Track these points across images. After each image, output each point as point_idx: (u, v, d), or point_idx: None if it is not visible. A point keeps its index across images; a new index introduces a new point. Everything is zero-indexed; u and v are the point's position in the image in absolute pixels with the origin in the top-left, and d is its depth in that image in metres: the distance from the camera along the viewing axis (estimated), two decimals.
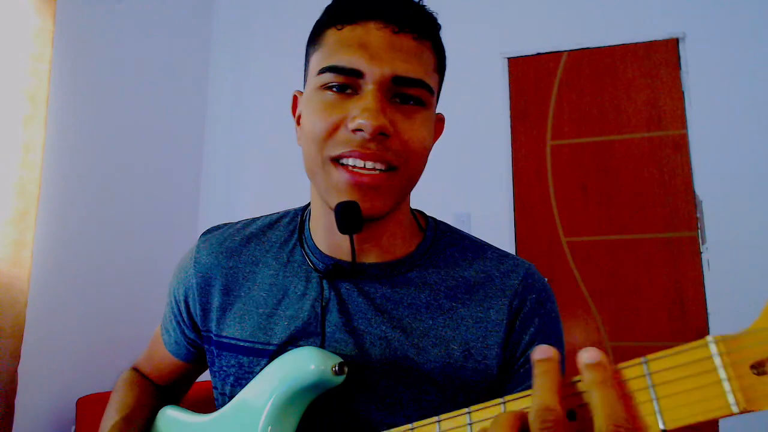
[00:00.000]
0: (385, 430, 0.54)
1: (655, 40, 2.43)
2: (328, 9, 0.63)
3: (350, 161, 0.57)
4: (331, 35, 0.60)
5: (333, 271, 0.64)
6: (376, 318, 0.63)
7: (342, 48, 0.58)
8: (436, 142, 0.68)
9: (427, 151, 0.62)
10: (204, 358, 0.78)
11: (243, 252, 0.70)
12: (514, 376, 0.64)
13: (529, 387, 0.64)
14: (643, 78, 2.43)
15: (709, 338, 0.36)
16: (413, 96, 0.59)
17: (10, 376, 1.64)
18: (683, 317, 2.23)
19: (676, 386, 0.36)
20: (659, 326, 2.25)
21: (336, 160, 0.58)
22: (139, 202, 2.34)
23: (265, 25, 2.91)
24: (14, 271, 1.68)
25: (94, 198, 2.14)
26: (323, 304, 0.64)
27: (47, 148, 1.86)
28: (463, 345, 0.63)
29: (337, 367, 0.56)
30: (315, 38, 0.63)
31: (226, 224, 0.76)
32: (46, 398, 1.89)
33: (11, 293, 1.67)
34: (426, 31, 0.61)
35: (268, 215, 0.75)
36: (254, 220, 0.75)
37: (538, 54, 2.56)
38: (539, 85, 2.55)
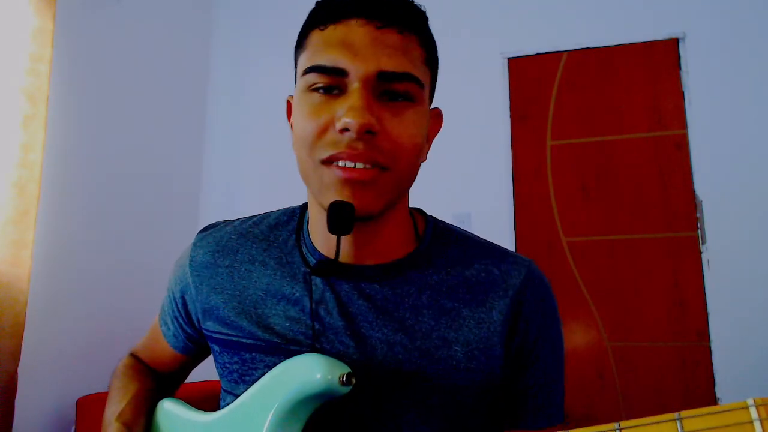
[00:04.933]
0: None
1: (655, 40, 2.43)
2: (311, 11, 0.63)
3: (340, 162, 0.57)
4: (315, 36, 0.60)
5: (320, 268, 0.64)
6: (378, 320, 0.62)
7: (325, 47, 0.58)
8: (437, 139, 0.68)
9: (418, 148, 0.60)
10: (201, 351, 0.78)
11: (240, 250, 0.70)
12: (519, 376, 0.65)
13: (534, 387, 0.64)
14: (643, 78, 2.43)
15: (749, 401, 0.34)
16: (401, 92, 0.58)
17: (10, 376, 1.64)
18: (683, 317, 2.23)
19: None
20: (659, 326, 2.25)
21: (327, 162, 0.58)
22: (139, 202, 2.34)
23: (265, 24, 2.90)
24: (14, 271, 1.68)
25: (94, 198, 2.14)
26: (311, 300, 0.64)
27: (47, 148, 1.86)
28: (465, 346, 0.62)
29: (344, 378, 0.54)
30: (301, 41, 0.63)
31: (223, 222, 0.76)
32: (46, 398, 1.89)
33: (11, 293, 1.67)
34: (411, 24, 0.60)
35: (266, 213, 0.75)
36: (251, 217, 0.75)
37: (538, 54, 2.56)
38: (539, 85, 2.55)
